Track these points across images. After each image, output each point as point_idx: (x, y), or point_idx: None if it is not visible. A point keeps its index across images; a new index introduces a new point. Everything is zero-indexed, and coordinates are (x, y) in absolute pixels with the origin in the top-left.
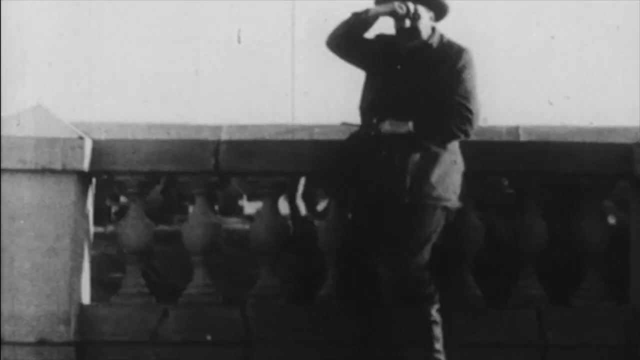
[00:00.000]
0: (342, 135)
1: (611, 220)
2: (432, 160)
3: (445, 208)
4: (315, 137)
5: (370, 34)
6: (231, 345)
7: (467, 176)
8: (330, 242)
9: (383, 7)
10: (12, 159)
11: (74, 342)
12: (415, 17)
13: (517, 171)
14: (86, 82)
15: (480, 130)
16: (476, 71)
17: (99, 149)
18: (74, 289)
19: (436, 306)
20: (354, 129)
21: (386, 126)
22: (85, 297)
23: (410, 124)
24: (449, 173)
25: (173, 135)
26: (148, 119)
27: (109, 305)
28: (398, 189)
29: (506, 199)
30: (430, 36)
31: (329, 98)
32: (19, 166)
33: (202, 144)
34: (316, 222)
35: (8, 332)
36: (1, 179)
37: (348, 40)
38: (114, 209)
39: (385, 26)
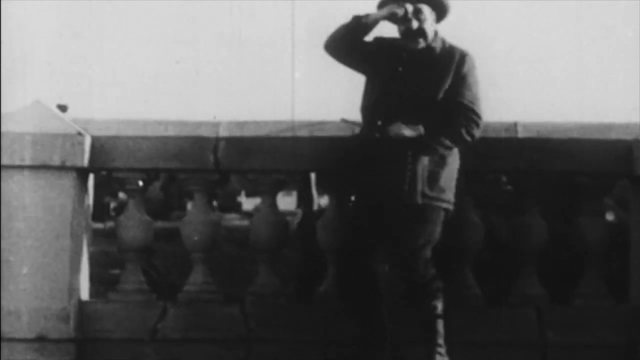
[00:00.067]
0: (342, 132)
1: (611, 218)
2: (440, 163)
3: (448, 209)
4: (315, 134)
5: (369, 37)
6: (230, 343)
7: (465, 174)
8: (329, 240)
9: (383, 12)
10: (12, 155)
11: (73, 338)
12: (421, 19)
13: (516, 169)
14: (86, 80)
15: None
16: (479, 75)
17: (98, 145)
18: (73, 285)
19: (441, 302)
20: (353, 127)
21: (396, 129)
22: (85, 294)
23: (421, 128)
24: (452, 175)
25: (172, 132)
26: (147, 116)
27: (108, 302)
28: (410, 191)
29: (506, 197)
30: (433, 40)
31: (329, 95)
32: (18, 162)
33: (201, 141)
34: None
35: (7, 328)
36: (0, 175)
37: (348, 44)
38: (112, 205)
39: (385, 30)
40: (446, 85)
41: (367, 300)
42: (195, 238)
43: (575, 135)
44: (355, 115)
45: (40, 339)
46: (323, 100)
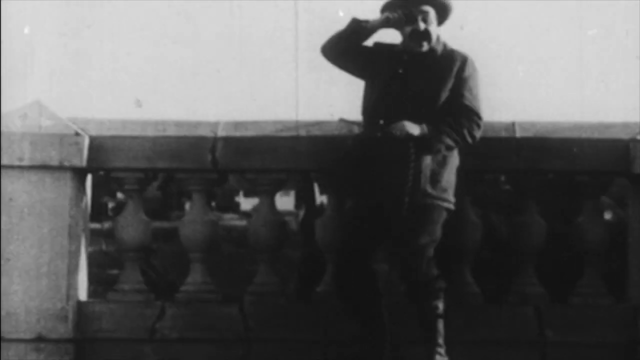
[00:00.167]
0: (341, 132)
1: (610, 217)
2: (442, 163)
3: (450, 209)
4: (314, 133)
5: (368, 42)
6: (229, 343)
7: (465, 174)
8: (328, 240)
9: (380, 19)
10: (10, 155)
11: (72, 339)
12: (428, 21)
13: (515, 169)
14: (84, 80)
15: None
16: (479, 79)
17: (96, 145)
18: (71, 285)
19: (442, 301)
20: (352, 126)
21: (400, 126)
22: (83, 294)
23: (425, 127)
24: (453, 175)
25: (170, 132)
26: (146, 116)
27: (107, 302)
28: (413, 190)
29: (505, 197)
30: (435, 43)
31: (332, 95)
32: (17, 162)
33: (199, 141)
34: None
35: (6, 328)
36: (0, 175)
37: (346, 46)
38: (111, 205)
39: (385, 37)
40: (447, 87)
41: (367, 300)
42: (194, 238)
43: (573, 134)
44: (354, 116)
45: (39, 339)
46: (323, 100)
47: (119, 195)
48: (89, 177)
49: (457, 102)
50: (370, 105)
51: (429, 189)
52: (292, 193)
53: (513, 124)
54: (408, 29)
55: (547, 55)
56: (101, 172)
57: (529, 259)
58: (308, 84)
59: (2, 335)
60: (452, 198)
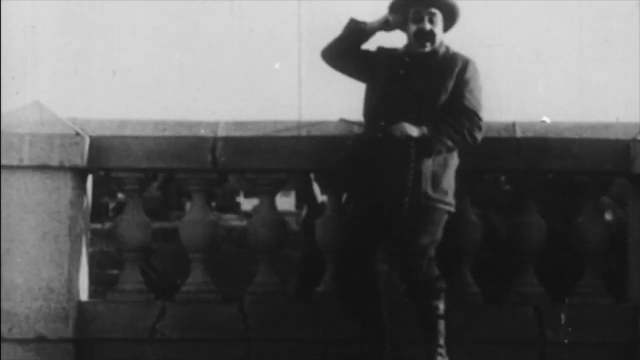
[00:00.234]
0: (341, 132)
1: (610, 217)
2: (442, 165)
3: (450, 211)
4: (314, 133)
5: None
6: (230, 343)
7: (465, 174)
8: (328, 240)
9: (378, 21)
10: (10, 155)
11: (72, 339)
12: (435, 22)
13: (515, 169)
14: (85, 80)
15: None
16: (481, 81)
17: (96, 145)
18: (72, 286)
19: (443, 302)
20: (352, 126)
21: (401, 127)
22: (84, 294)
23: (425, 128)
24: (453, 177)
25: (170, 132)
26: (146, 116)
27: (107, 302)
28: (413, 191)
29: (505, 197)
30: (438, 45)
31: (334, 95)
32: (17, 163)
33: (199, 141)
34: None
35: (6, 329)
36: (0, 176)
37: (347, 47)
38: (111, 205)
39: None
40: (448, 88)
41: (367, 300)
42: (194, 238)
43: (573, 135)
44: (356, 116)
45: (39, 340)
46: (324, 100)
47: (119, 195)
48: (90, 177)
49: (458, 103)
50: (371, 106)
51: (430, 191)
52: (293, 193)
53: (513, 124)
54: (414, 27)
55: (548, 55)
56: (101, 172)
57: (529, 259)
58: (310, 84)
59: (2, 335)
60: (452, 200)
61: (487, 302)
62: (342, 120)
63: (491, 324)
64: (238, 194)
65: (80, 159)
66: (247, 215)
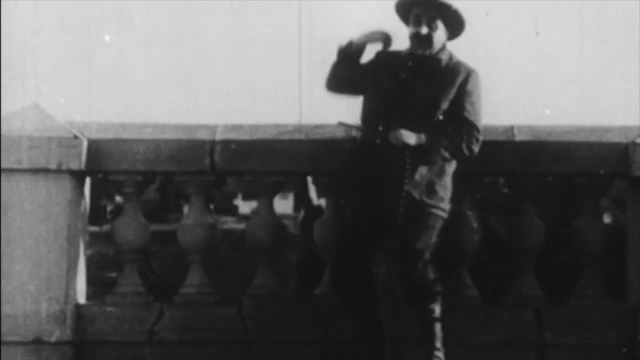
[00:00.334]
0: (340, 135)
1: (609, 219)
2: (439, 172)
3: (445, 218)
4: (313, 136)
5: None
6: (228, 345)
7: (464, 177)
8: (326, 241)
9: (365, 36)
10: (8, 158)
11: (70, 341)
12: (432, 26)
13: (514, 172)
14: (83, 83)
15: None
16: (482, 93)
17: (94, 148)
18: (70, 288)
19: (439, 305)
20: (351, 130)
21: (397, 134)
22: (82, 297)
23: (423, 137)
24: (449, 184)
25: (169, 135)
26: (145, 119)
27: (105, 305)
28: (409, 199)
29: (504, 199)
30: (440, 52)
31: (335, 98)
32: (15, 165)
33: (197, 144)
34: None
35: (4, 331)
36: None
37: (344, 73)
38: (109, 208)
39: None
40: (449, 98)
41: (366, 302)
42: (192, 240)
43: (572, 138)
44: (355, 119)
45: (38, 342)
46: (324, 103)
47: (118, 198)
48: (88, 180)
49: (458, 114)
50: (370, 108)
51: (425, 198)
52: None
53: (512, 127)
54: (412, 30)
55: (547, 58)
56: (100, 175)
57: (528, 261)
58: (310, 87)
59: (0, 338)
60: (447, 207)
61: (486, 304)
62: (341, 124)
63: (490, 325)
64: (236, 197)
65: (78, 161)
66: (245, 217)
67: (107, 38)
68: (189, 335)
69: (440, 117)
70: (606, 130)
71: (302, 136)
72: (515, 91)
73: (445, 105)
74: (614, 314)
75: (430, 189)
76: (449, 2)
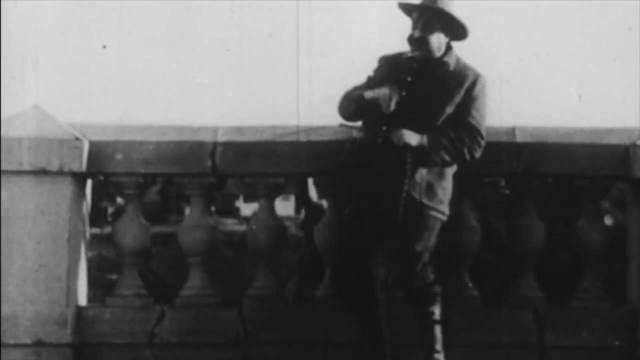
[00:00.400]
0: (340, 137)
1: (609, 221)
2: (439, 173)
3: (444, 221)
4: (313, 138)
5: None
6: (229, 347)
7: (464, 177)
8: (327, 242)
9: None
10: (9, 160)
11: (71, 343)
12: (427, 30)
13: (515, 173)
14: (84, 84)
15: None
16: (488, 97)
17: (95, 150)
18: (70, 290)
19: (439, 307)
20: (352, 131)
21: (399, 135)
22: (82, 299)
23: (425, 139)
24: (450, 186)
25: (170, 137)
26: (146, 121)
27: (106, 307)
28: (409, 201)
29: (504, 200)
30: (446, 55)
31: (334, 100)
32: (16, 167)
33: (198, 146)
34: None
35: (5, 333)
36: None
37: (356, 113)
38: (110, 210)
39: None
40: (455, 102)
41: (366, 302)
42: (193, 242)
43: (574, 139)
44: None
45: (38, 344)
46: (329, 102)
47: (119, 199)
48: (89, 182)
49: (463, 119)
50: (374, 110)
51: (425, 200)
52: (292, 198)
53: (513, 129)
54: (409, 33)
55: (548, 59)
56: (101, 177)
57: (529, 262)
58: (308, 89)
59: (1, 340)
60: (447, 210)
61: (486, 305)
62: (342, 125)
63: (490, 327)
64: (237, 199)
65: (79, 163)
66: (246, 219)
67: (107, 39)
68: (189, 337)
69: (444, 120)
70: (607, 131)
71: (302, 138)
72: (517, 93)
73: (450, 109)
74: (614, 315)
75: (430, 190)
76: (440, 6)
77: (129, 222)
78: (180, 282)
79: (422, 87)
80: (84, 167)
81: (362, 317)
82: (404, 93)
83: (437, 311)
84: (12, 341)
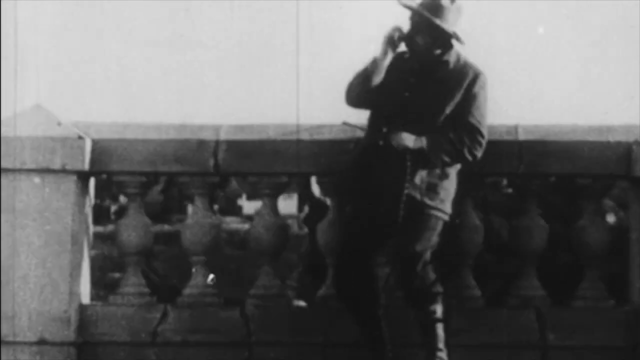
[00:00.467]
0: (343, 136)
1: (611, 220)
2: (441, 174)
3: (446, 221)
4: (316, 137)
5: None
6: (231, 346)
7: (467, 177)
8: (329, 242)
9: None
10: (12, 159)
11: (74, 342)
12: (415, 30)
13: (517, 172)
14: (86, 82)
15: None
16: (488, 95)
17: (98, 148)
18: (74, 288)
19: (440, 306)
20: (355, 130)
21: (399, 138)
22: (85, 297)
23: (424, 141)
24: (452, 186)
25: (172, 135)
26: (148, 119)
27: (109, 305)
28: (409, 203)
29: (506, 199)
30: (447, 53)
31: (334, 99)
32: (19, 166)
33: (201, 144)
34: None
35: (8, 332)
36: (1, 179)
37: (368, 90)
38: (113, 208)
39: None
40: (455, 101)
41: (366, 302)
42: (196, 241)
43: (575, 137)
44: (357, 119)
45: (41, 343)
46: (328, 101)
47: (121, 198)
48: (92, 181)
49: (463, 118)
50: (376, 111)
51: (426, 200)
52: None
53: (515, 127)
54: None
55: (550, 58)
56: (103, 176)
57: (531, 262)
58: (308, 88)
59: (3, 338)
60: (448, 209)
61: (489, 305)
62: (345, 124)
63: (492, 327)
64: (240, 197)
65: (82, 162)
66: (249, 218)
67: (107, 39)
68: (192, 336)
69: (444, 120)
70: (609, 129)
71: (306, 136)
72: (519, 91)
73: (450, 109)
74: (616, 315)
75: (431, 190)
76: (417, 8)
77: (132, 221)
78: (183, 281)
79: (423, 86)
80: (86, 166)
81: (363, 317)
82: (406, 94)
83: (438, 310)
84: (15, 339)
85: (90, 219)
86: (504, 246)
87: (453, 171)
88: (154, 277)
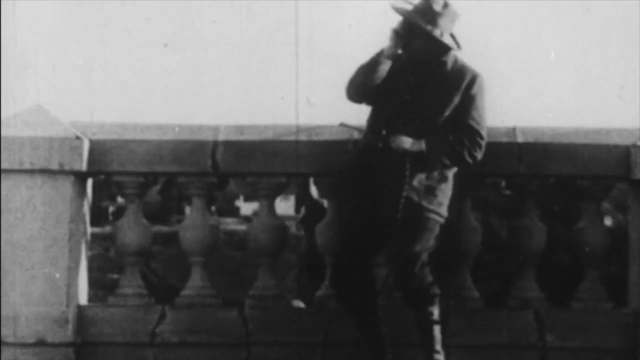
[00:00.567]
0: (341, 137)
1: (609, 222)
2: (439, 177)
3: (442, 223)
4: (314, 138)
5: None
6: (230, 347)
7: (465, 178)
8: (328, 243)
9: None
10: (10, 159)
11: (72, 343)
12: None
13: (516, 174)
14: (85, 83)
15: None
16: (486, 97)
17: (96, 149)
18: (72, 289)
19: (437, 307)
20: (352, 131)
21: (398, 141)
22: (83, 298)
23: (423, 144)
24: (450, 189)
25: (171, 136)
26: (147, 120)
27: (107, 306)
28: (407, 206)
29: (505, 201)
30: (444, 55)
31: (333, 100)
32: (17, 166)
33: (199, 145)
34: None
35: (6, 333)
36: (0, 179)
37: (372, 81)
38: (111, 209)
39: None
40: (454, 103)
41: (365, 303)
42: (194, 242)
43: (574, 140)
44: (357, 118)
45: (39, 344)
46: (326, 102)
47: (120, 199)
48: (90, 181)
49: (462, 120)
50: (376, 113)
51: (424, 203)
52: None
53: (514, 129)
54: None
55: (549, 60)
56: (102, 176)
57: (529, 263)
58: (308, 89)
59: (1, 339)
60: (445, 213)
61: (487, 306)
62: (343, 125)
63: (491, 328)
64: (238, 198)
65: (80, 162)
66: (247, 219)
67: (107, 39)
68: (190, 337)
69: (443, 122)
70: (608, 132)
71: (304, 137)
72: (518, 93)
73: (448, 111)
74: (615, 317)
75: (430, 193)
76: (408, 15)
77: (130, 221)
78: (181, 282)
79: (422, 91)
80: (84, 166)
81: (362, 318)
82: (407, 96)
83: (435, 312)
84: (13, 340)
85: (88, 219)
86: (504, 247)
87: (450, 175)
88: (152, 278)
